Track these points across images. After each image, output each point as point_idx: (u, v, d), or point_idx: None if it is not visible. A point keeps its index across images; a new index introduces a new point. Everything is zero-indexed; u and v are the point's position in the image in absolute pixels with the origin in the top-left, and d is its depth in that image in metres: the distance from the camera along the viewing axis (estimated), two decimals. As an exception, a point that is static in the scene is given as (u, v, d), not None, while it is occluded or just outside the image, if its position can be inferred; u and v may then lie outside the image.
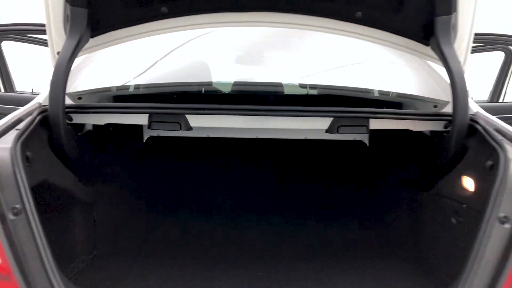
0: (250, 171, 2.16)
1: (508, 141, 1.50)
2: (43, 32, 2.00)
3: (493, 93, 3.53)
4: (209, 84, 2.24)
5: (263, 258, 1.60)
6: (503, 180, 1.34)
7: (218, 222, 2.14)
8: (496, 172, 1.39)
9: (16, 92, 3.36)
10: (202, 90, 2.19)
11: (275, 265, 1.57)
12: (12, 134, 1.40)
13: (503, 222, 1.30)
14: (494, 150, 1.49)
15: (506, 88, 3.47)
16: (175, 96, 2.16)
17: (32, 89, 3.57)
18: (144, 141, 2.11)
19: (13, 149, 1.34)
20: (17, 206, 1.27)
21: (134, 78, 2.21)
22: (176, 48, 2.25)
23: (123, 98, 2.18)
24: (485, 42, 3.19)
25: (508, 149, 1.43)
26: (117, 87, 2.15)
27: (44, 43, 3.54)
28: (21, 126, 1.48)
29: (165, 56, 2.26)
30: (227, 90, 2.23)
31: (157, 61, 2.24)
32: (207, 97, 2.20)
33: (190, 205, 2.23)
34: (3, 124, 1.49)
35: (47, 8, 1.67)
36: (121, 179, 2.03)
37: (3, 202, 1.25)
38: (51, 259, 1.27)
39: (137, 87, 2.19)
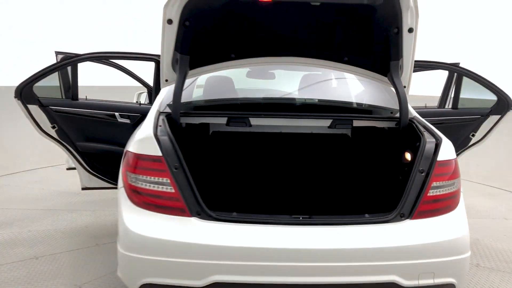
0: (278, 153, 3.09)
1: (426, 131, 2.38)
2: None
3: (440, 100, 4.17)
4: (258, 99, 3.47)
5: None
6: (421, 152, 2.21)
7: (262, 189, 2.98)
8: (419, 147, 2.25)
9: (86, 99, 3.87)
10: (255, 101, 3.39)
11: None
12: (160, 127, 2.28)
13: (421, 172, 2.14)
14: (419, 136, 2.34)
15: (450, 96, 4.12)
16: (239, 104, 3.23)
17: (86, 96, 4.10)
18: (210, 134, 2.95)
19: (170, 134, 2.18)
20: (176, 164, 2.08)
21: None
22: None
23: (200, 107, 3.13)
24: (423, 66, 3.87)
25: (426, 136, 2.31)
26: (198, 100, 3.23)
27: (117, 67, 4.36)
28: (160, 122, 2.34)
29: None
30: (265, 101, 3.42)
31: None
32: (255, 106, 3.21)
33: (241, 175, 3.08)
34: (153, 121, 2.36)
35: (162, 53, 2.46)
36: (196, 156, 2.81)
37: (170, 163, 2.07)
38: (195, 189, 2.07)
39: (209, 101, 3.35)
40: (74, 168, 4.53)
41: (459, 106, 3.90)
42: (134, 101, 4.88)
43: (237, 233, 2.02)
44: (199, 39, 2.50)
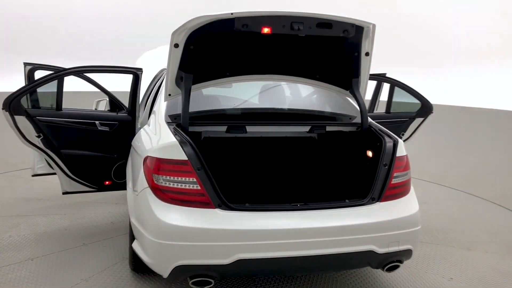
0: (266, 152, 3.64)
1: (384, 134, 2.99)
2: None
3: (370, 106, 4.96)
4: (248, 109, 3.89)
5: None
6: (384, 150, 2.82)
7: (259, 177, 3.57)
8: (381, 146, 2.86)
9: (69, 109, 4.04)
10: (241, 112, 3.82)
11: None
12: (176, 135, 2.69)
13: (385, 165, 2.79)
14: (379, 138, 2.97)
15: (378, 102, 4.94)
16: (240, 114, 3.76)
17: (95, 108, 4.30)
18: (202, 139, 3.36)
19: (190, 141, 2.60)
20: (199, 166, 2.52)
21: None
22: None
23: (198, 118, 3.44)
24: (374, 79, 4.63)
25: (386, 138, 2.91)
26: (197, 111, 3.50)
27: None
28: (172, 130, 2.78)
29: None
30: (252, 111, 3.84)
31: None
32: (246, 115, 3.72)
33: (239, 173, 3.59)
34: (168, 130, 2.79)
35: (168, 72, 2.91)
36: None
37: (194, 165, 2.52)
38: (216, 185, 2.52)
39: (207, 112, 3.63)
40: (40, 175, 4.74)
41: (391, 110, 4.71)
42: (93, 108, 5.13)
43: (252, 219, 2.52)
44: (200, 60, 2.95)
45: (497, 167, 7.92)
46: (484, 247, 4.08)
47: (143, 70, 4.20)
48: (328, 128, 3.39)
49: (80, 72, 3.94)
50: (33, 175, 4.77)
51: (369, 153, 3.12)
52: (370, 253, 2.64)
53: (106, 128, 4.05)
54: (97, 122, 4.04)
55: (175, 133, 2.73)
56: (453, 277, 3.44)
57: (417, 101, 4.61)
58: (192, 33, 2.72)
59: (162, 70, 4.40)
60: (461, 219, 4.87)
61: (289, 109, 3.91)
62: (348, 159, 3.32)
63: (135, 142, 3.29)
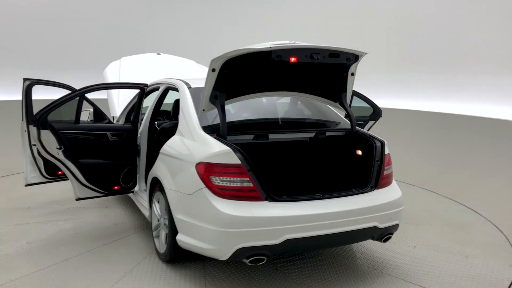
0: (282, 153, 4.27)
1: (371, 137, 3.81)
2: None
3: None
4: (269, 119, 4.48)
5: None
6: (375, 149, 3.65)
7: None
8: (373, 146, 3.69)
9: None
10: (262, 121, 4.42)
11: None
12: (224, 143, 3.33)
13: (377, 161, 3.61)
14: (368, 140, 3.80)
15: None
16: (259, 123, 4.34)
17: (113, 117, 4.57)
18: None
19: (238, 147, 3.26)
20: (249, 167, 3.16)
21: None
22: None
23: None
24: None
25: (375, 140, 3.74)
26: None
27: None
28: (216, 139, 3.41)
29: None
30: (266, 121, 4.42)
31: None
32: (262, 124, 4.30)
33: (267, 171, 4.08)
34: (214, 139, 3.39)
35: (204, 91, 3.51)
36: None
37: (245, 167, 3.16)
38: (263, 182, 3.19)
39: (232, 122, 4.01)
40: (33, 184, 5.02)
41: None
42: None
43: (293, 207, 3.23)
44: (231, 81, 3.57)
45: (420, 158, 9.29)
46: (427, 222, 5.17)
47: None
48: (328, 133, 4.19)
49: (98, 89, 4.35)
50: (26, 185, 5.01)
51: (359, 152, 3.96)
52: (374, 228, 3.48)
53: (116, 138, 4.49)
54: (108, 133, 4.47)
55: (221, 141, 3.34)
56: (416, 245, 4.44)
57: (369, 106, 5.60)
58: (227, 60, 3.36)
59: (152, 85, 4.88)
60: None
61: (296, 118, 4.63)
62: (344, 157, 4.13)
63: (171, 150, 3.79)
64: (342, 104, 4.06)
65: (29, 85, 4.76)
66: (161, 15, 13.08)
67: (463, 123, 8.63)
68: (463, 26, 9.33)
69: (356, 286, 3.55)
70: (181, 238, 3.46)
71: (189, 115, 3.81)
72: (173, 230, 3.58)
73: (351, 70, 3.86)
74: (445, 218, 5.33)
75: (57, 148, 4.11)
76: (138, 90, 4.60)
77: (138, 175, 4.74)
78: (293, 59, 3.34)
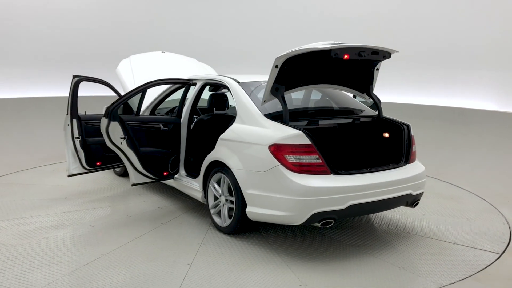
0: (330, 134, 4.82)
1: (397, 122, 4.63)
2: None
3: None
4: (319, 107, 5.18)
5: None
6: (404, 131, 4.45)
7: None
8: (401, 129, 4.45)
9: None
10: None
11: None
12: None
13: (406, 141, 4.42)
14: (396, 124, 4.55)
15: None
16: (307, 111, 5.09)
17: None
18: None
19: (306, 130, 3.90)
20: (317, 147, 3.84)
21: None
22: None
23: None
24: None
25: (403, 124, 4.51)
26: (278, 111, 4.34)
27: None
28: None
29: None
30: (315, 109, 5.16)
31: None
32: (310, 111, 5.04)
33: None
34: (282, 125, 4.04)
35: (267, 84, 4.07)
36: None
37: (315, 146, 3.82)
38: (328, 158, 3.85)
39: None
40: (75, 175, 5.40)
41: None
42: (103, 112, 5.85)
43: (353, 179, 3.92)
44: (289, 75, 4.19)
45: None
46: (423, 195, 6.06)
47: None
48: (362, 119, 4.91)
49: (157, 84, 4.81)
50: (69, 175, 5.37)
51: (386, 134, 4.72)
52: (409, 195, 4.25)
53: (166, 129, 4.98)
54: (161, 124, 4.95)
55: (290, 126, 3.96)
56: (424, 213, 5.29)
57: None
58: (287, 58, 3.98)
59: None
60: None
61: (336, 107, 5.23)
62: (377, 138, 4.86)
63: (235, 136, 4.32)
64: (369, 94, 4.80)
65: (77, 81, 5.11)
66: (161, 15, 13.31)
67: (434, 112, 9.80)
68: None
69: (394, 245, 4.31)
70: (251, 209, 4.04)
71: (250, 106, 4.38)
72: (241, 204, 4.16)
73: (377, 66, 4.61)
74: (437, 193, 6.25)
75: (121, 138, 4.54)
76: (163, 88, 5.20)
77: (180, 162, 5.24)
78: (346, 56, 4.02)
